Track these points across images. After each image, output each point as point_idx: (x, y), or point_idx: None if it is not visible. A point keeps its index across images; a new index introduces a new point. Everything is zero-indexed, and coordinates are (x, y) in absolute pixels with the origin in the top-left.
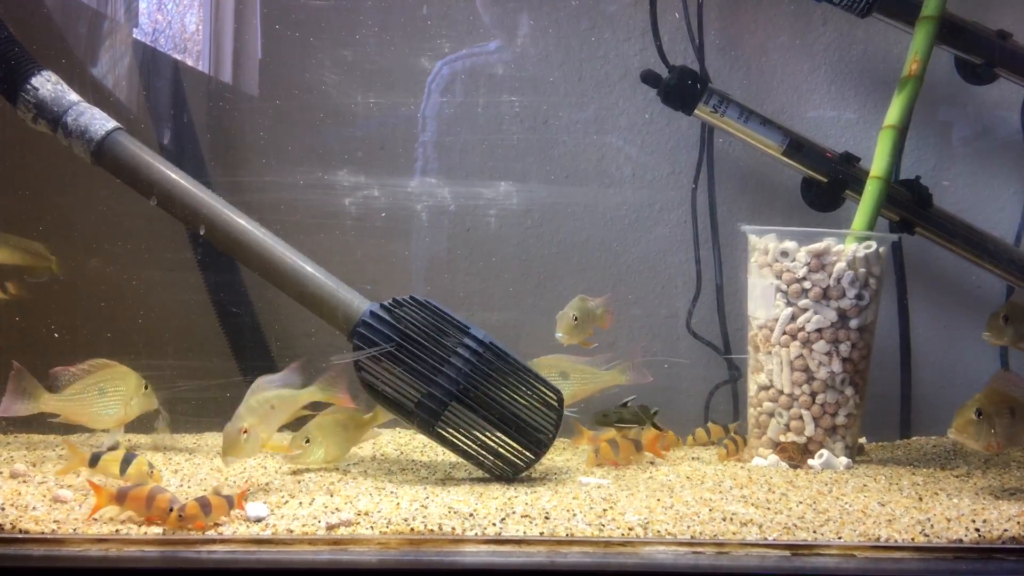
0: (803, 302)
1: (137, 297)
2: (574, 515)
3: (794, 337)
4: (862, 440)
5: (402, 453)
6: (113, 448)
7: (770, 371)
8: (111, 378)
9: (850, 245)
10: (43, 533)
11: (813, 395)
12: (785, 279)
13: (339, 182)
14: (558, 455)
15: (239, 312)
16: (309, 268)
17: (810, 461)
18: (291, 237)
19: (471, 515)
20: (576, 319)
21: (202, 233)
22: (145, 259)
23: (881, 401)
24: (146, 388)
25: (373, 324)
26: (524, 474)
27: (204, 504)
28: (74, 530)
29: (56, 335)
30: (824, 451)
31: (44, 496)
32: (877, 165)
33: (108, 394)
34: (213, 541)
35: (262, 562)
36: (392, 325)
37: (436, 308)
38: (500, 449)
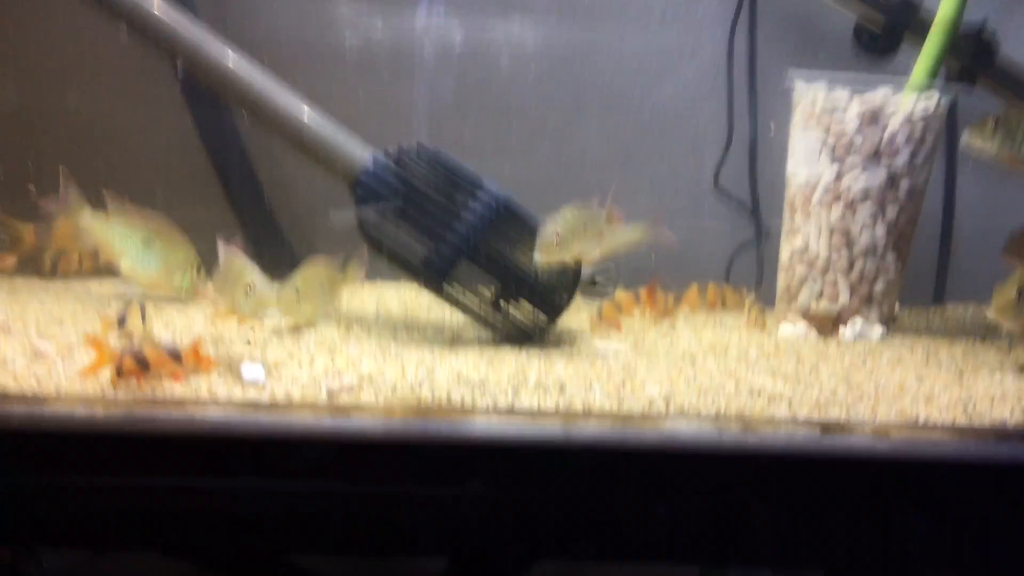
0: (851, 160)
1: (121, 137)
2: (591, 386)
3: (837, 199)
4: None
5: (408, 311)
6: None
7: (807, 235)
8: (165, 237)
9: (908, 98)
10: (23, 391)
11: (851, 262)
12: (833, 133)
13: (339, 13)
14: (573, 319)
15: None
16: (304, 109)
17: (842, 331)
18: (285, 75)
19: (481, 384)
20: (558, 235)
21: (183, 67)
22: (129, 96)
23: (915, 264)
24: (198, 271)
25: (377, 175)
26: (537, 338)
27: (140, 360)
28: (57, 388)
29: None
30: (858, 320)
31: (24, 349)
32: (944, 8)
33: (155, 250)
34: (207, 404)
35: (260, 427)
36: (398, 176)
37: (445, 158)
38: (512, 311)
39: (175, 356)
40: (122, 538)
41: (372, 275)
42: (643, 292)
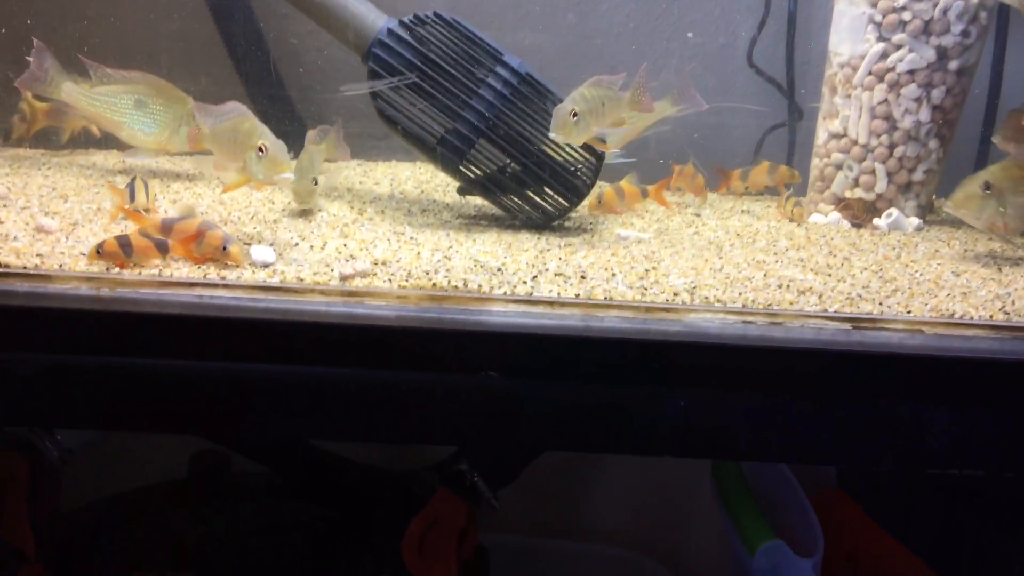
0: (898, 37)
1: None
2: (613, 275)
3: (880, 79)
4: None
5: (422, 192)
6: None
7: (846, 117)
8: (157, 94)
9: None
10: (26, 268)
11: (892, 147)
12: (881, 8)
13: None
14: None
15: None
16: None
17: (876, 221)
18: None
19: (499, 270)
20: (576, 114)
21: None
22: None
23: (956, 152)
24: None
25: (391, 45)
26: (557, 223)
27: (124, 244)
28: (60, 265)
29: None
30: (893, 210)
31: (27, 224)
32: None
33: (149, 110)
34: (216, 285)
35: (269, 311)
36: (413, 47)
37: (464, 28)
38: (531, 193)
39: (162, 248)
40: (130, 419)
41: (386, 154)
42: (651, 189)
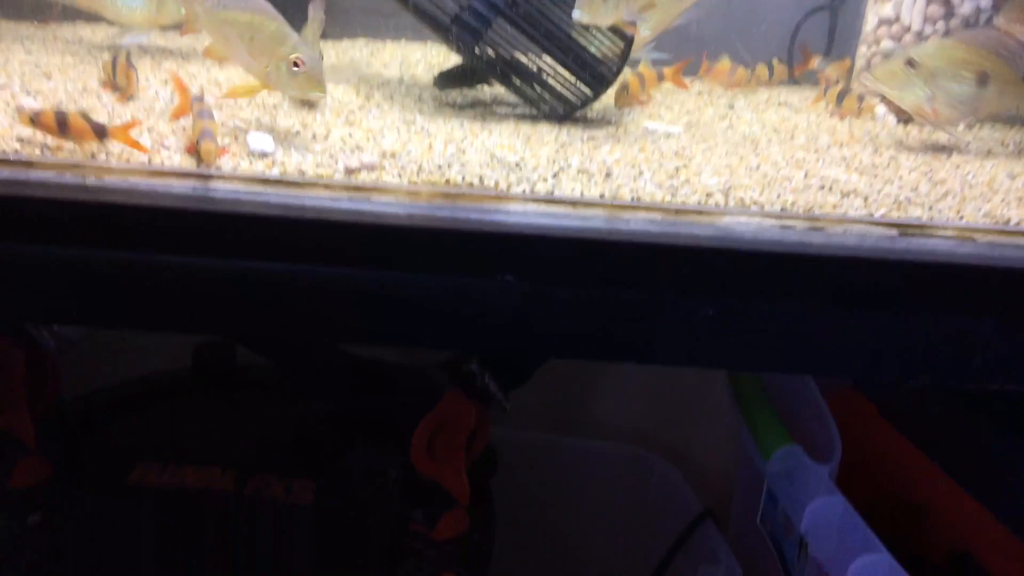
0: None
1: None
2: (641, 173)
3: None
4: None
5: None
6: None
7: (899, 1)
8: None
9: None
10: (6, 153)
11: (948, 34)
12: None
13: None
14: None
15: None
16: None
17: None
18: None
19: (517, 165)
20: None
21: None
22: None
23: None
24: None
25: None
26: (579, 114)
27: (61, 120)
28: (42, 151)
29: None
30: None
31: (7, 105)
32: None
33: None
34: (211, 177)
35: (269, 206)
36: None
37: None
38: (552, 81)
39: (99, 132)
40: (121, 316)
41: (395, 32)
42: (667, 72)
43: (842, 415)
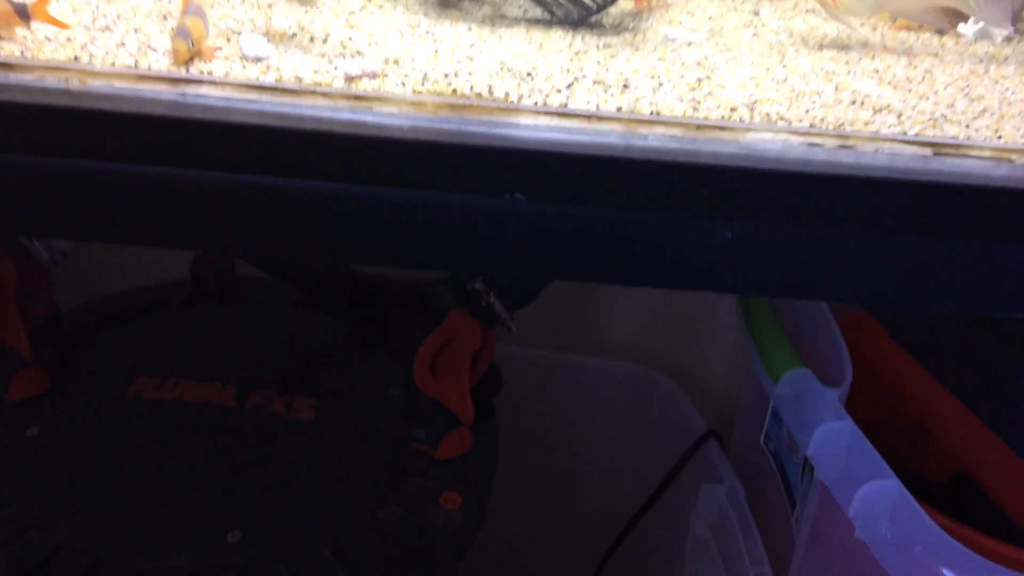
0: None
1: None
2: (661, 85)
3: None
4: None
5: None
6: None
7: None
8: None
9: None
10: None
11: None
12: None
13: None
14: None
15: None
16: None
17: (961, 27)
18: None
19: (529, 75)
20: None
21: None
22: None
23: None
24: None
25: None
26: (594, 19)
27: None
28: (24, 53)
29: None
30: (982, 14)
31: None
32: None
33: None
34: (201, 82)
35: (263, 115)
36: None
37: None
38: None
39: (22, 13)
40: (110, 231)
41: None
42: None
43: (851, 337)
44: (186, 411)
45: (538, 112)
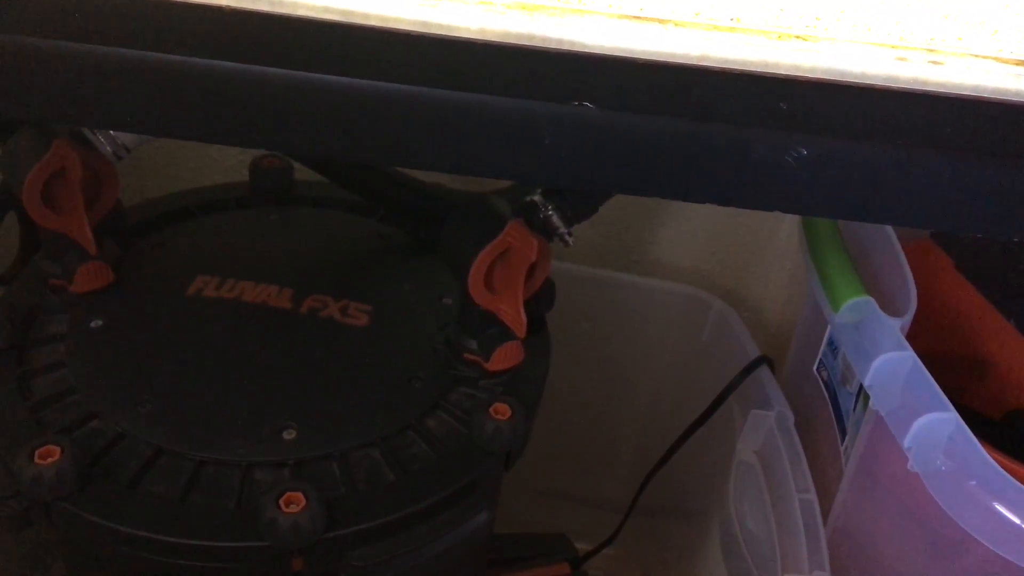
0: None
1: None
2: None
3: None
4: None
5: None
6: None
7: None
8: None
9: None
10: None
11: None
12: None
13: None
14: None
15: None
16: None
17: None
18: None
19: None
20: None
21: None
22: None
23: None
24: None
25: None
26: None
27: None
28: None
29: None
30: None
31: None
32: None
33: None
34: None
35: (329, 11)
36: None
37: None
38: None
39: None
40: (175, 126)
41: None
42: None
43: (915, 266)
44: (244, 311)
45: (611, 15)
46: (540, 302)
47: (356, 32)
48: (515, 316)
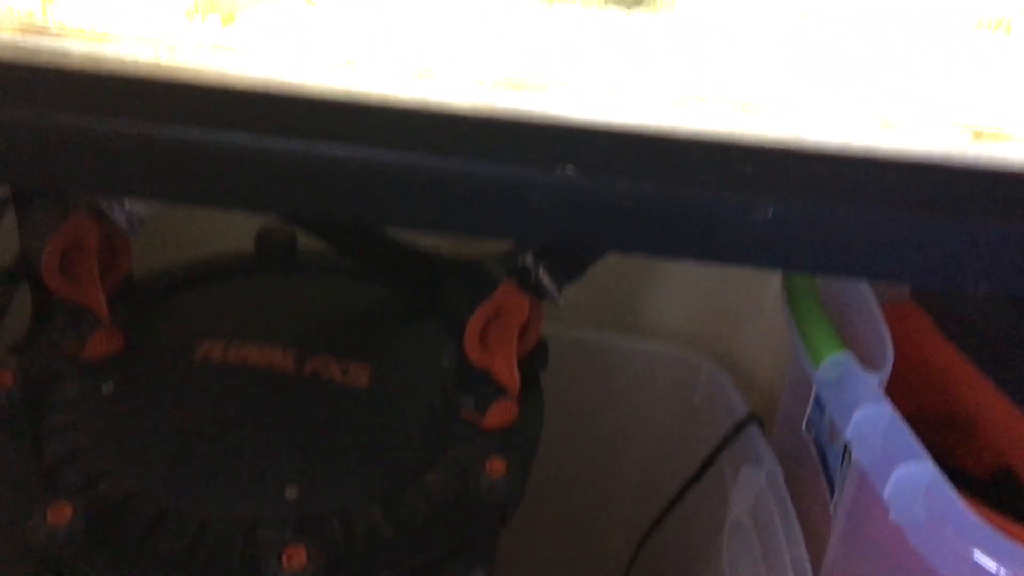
0: None
1: None
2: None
3: None
4: None
5: None
6: None
7: None
8: None
9: None
10: (83, 28)
11: None
12: None
13: None
14: None
15: None
16: None
17: None
18: None
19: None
20: None
21: None
22: None
23: None
24: None
25: None
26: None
27: None
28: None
29: None
30: None
31: None
32: None
33: None
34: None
35: (335, 92)
36: None
37: None
38: None
39: None
40: (190, 193)
41: None
42: None
43: (897, 326)
44: (248, 374)
45: (589, 89)
46: (534, 361)
47: (359, 106)
48: (509, 373)
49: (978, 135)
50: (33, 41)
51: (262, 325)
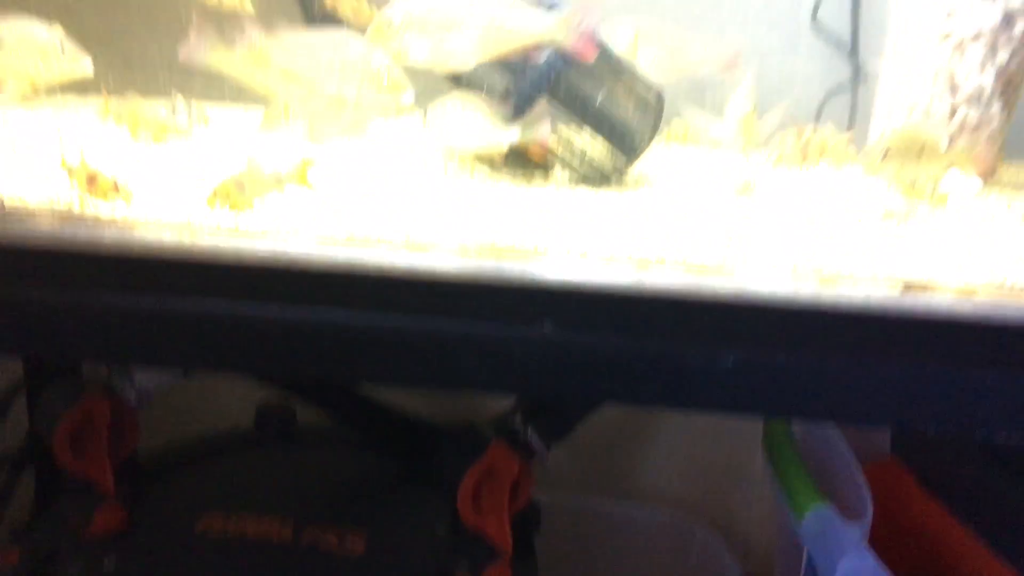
0: None
1: None
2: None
3: (946, 38)
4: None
5: None
6: None
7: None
8: None
9: None
10: (115, 217)
11: (953, 109)
12: None
13: None
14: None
15: None
16: None
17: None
18: None
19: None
20: None
21: None
22: None
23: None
24: None
25: None
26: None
27: None
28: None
29: None
30: (954, 172)
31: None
32: None
33: None
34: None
35: (336, 263)
36: None
37: None
38: (587, 150)
39: None
40: (202, 360)
41: None
42: None
43: (880, 483)
44: (247, 546)
45: (563, 256)
46: (527, 522)
47: (357, 275)
48: (501, 532)
49: (908, 287)
50: (70, 231)
51: (261, 496)
